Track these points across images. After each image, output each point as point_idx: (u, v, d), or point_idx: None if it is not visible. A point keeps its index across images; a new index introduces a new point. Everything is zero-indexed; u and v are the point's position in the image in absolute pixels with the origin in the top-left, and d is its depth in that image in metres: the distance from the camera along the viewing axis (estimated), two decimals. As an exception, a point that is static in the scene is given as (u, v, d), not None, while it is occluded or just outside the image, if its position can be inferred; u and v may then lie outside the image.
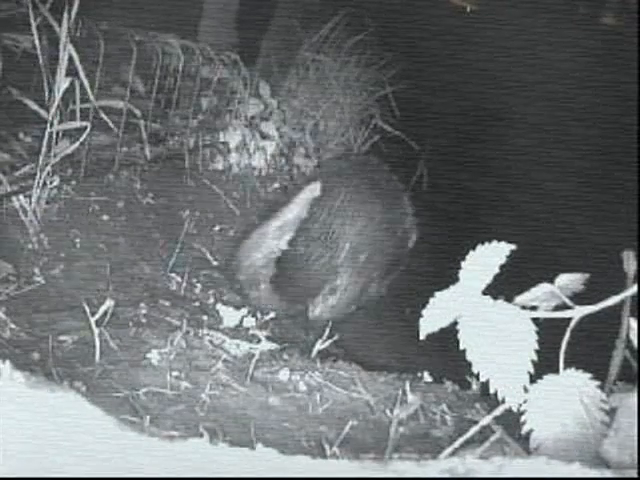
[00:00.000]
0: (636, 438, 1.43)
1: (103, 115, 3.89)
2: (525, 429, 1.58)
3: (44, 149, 3.59)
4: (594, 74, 7.15)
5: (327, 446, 2.41)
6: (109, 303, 3.03)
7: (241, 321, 3.71)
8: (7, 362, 1.43)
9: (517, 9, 7.65)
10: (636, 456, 1.42)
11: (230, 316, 3.71)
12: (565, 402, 1.57)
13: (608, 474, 1.37)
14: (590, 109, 6.97)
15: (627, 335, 1.75)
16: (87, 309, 2.90)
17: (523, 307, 1.66)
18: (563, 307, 1.65)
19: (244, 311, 3.81)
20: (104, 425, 1.40)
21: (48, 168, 3.63)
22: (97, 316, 2.90)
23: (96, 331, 2.82)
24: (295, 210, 4.02)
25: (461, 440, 1.78)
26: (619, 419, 1.48)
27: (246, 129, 5.75)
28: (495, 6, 8.34)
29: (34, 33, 3.46)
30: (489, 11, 8.45)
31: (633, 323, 1.57)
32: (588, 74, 7.14)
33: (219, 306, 3.84)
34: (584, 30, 8.02)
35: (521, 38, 7.42)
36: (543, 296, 1.70)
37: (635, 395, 1.50)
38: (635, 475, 1.39)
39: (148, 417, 2.39)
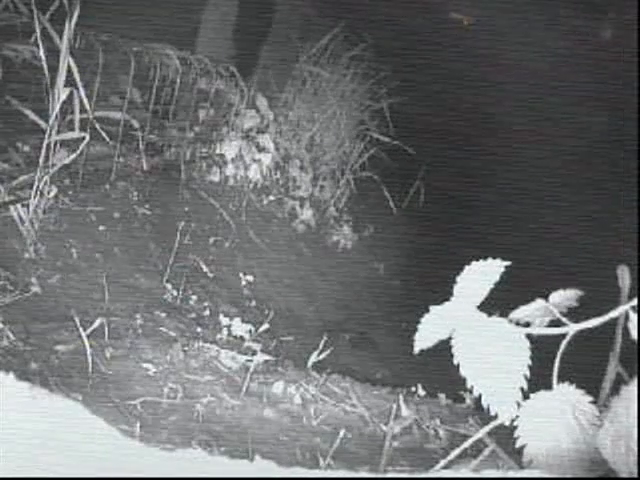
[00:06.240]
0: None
1: (97, 126, 3.89)
2: (518, 444, 1.59)
3: (42, 159, 3.60)
4: (590, 84, 7.17)
5: (321, 458, 2.42)
6: (100, 320, 3.05)
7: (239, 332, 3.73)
8: (10, 373, 1.44)
9: (513, 23, 7.67)
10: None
11: (235, 327, 3.73)
12: (558, 417, 1.57)
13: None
14: (587, 119, 6.99)
15: (620, 350, 1.76)
16: (78, 323, 2.92)
17: (517, 323, 1.66)
18: (557, 323, 1.66)
19: (238, 321, 3.82)
20: (102, 434, 1.41)
21: (46, 178, 3.63)
22: (88, 331, 2.91)
23: (87, 344, 2.83)
24: None
25: (454, 454, 1.79)
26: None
27: (242, 141, 5.77)
28: (492, 20, 8.36)
29: (39, 43, 3.46)
30: (486, 25, 8.47)
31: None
32: (584, 85, 7.16)
33: (221, 317, 3.86)
34: (579, 42, 8.05)
35: (518, 50, 7.43)
36: (537, 312, 1.71)
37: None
38: (635, 475, 1.40)
39: (143, 427, 2.40)
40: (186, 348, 3.16)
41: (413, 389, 3.31)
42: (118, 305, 3.52)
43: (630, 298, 1.63)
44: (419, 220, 6.53)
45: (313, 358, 3.36)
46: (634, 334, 1.56)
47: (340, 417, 2.88)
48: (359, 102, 6.71)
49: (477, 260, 1.74)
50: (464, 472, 1.52)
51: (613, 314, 1.59)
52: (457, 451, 1.79)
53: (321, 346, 3.41)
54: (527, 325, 1.69)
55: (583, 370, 1.93)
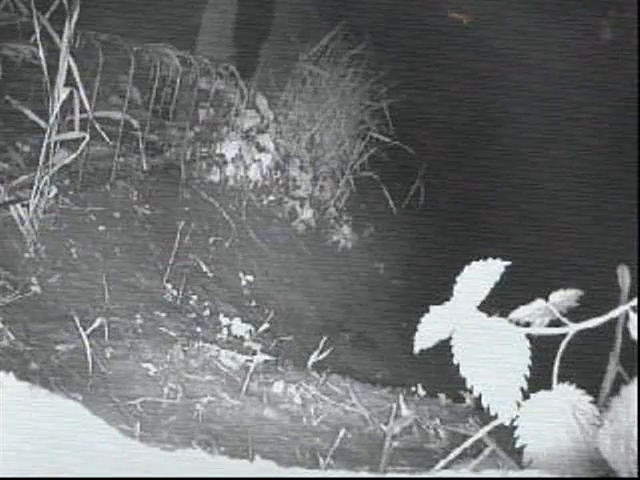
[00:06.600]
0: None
1: (97, 126, 3.89)
2: (518, 444, 1.59)
3: (42, 159, 3.60)
4: (591, 77, 7.16)
5: (321, 458, 2.42)
6: (100, 320, 3.05)
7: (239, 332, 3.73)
8: (10, 373, 1.45)
9: (516, 21, 7.66)
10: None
11: (235, 327, 3.74)
12: (558, 417, 1.57)
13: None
14: (590, 115, 6.98)
15: (620, 350, 1.76)
16: (78, 323, 2.92)
17: (517, 323, 1.66)
18: (557, 323, 1.66)
19: (238, 321, 3.82)
20: (102, 435, 1.41)
21: (46, 178, 3.64)
22: (88, 331, 2.92)
23: (87, 344, 2.83)
24: None
25: (454, 454, 1.79)
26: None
27: (242, 141, 5.77)
28: (491, 19, 8.35)
29: (39, 43, 3.47)
30: (488, 23, 8.46)
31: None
32: (585, 77, 7.15)
33: (221, 317, 3.86)
34: (581, 39, 8.05)
35: (520, 49, 7.42)
36: (537, 312, 1.71)
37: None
38: (635, 475, 1.40)
39: (143, 427, 2.40)
40: (186, 348, 3.16)
41: (413, 389, 3.31)
42: (118, 305, 3.52)
43: (630, 298, 1.63)
44: (419, 220, 6.53)
45: (313, 358, 3.36)
46: (634, 334, 1.56)
47: (340, 417, 2.88)
48: (359, 102, 6.71)
49: (477, 260, 1.74)
50: (464, 472, 1.52)
51: (613, 314, 1.59)
52: (457, 451, 1.79)
53: (321, 346, 3.41)
54: (527, 325, 1.69)
55: (583, 370, 1.94)
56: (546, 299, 1.74)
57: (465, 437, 1.90)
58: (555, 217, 6.36)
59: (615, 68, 7.06)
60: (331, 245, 6.04)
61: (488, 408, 1.59)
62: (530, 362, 1.60)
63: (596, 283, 2.22)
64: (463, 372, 1.61)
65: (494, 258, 1.73)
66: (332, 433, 2.71)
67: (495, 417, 1.59)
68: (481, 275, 1.72)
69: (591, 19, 8.16)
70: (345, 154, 6.56)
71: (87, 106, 3.74)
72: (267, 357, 3.30)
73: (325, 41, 6.53)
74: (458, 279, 1.73)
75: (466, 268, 1.74)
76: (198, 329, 3.62)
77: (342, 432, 2.69)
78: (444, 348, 1.65)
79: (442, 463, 1.79)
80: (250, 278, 4.77)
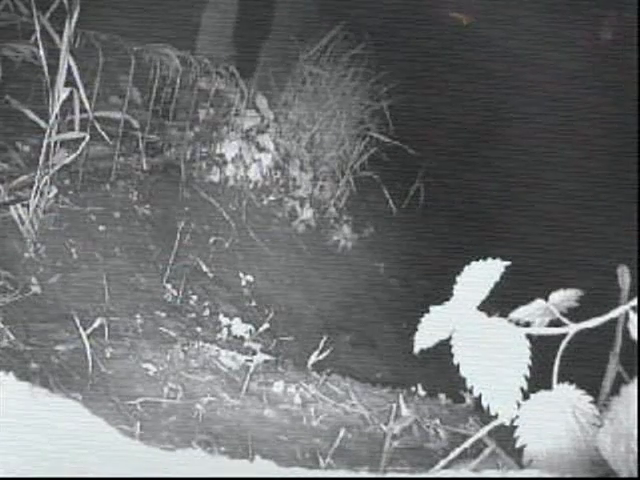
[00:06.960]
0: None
1: (97, 126, 3.89)
2: (518, 444, 1.59)
3: (42, 159, 3.60)
4: (596, 74, 7.15)
5: (321, 458, 2.42)
6: (100, 320, 3.05)
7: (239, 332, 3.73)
8: (10, 373, 1.45)
9: (515, 22, 7.64)
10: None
11: (235, 327, 3.74)
12: (558, 417, 1.58)
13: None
14: (594, 110, 6.97)
15: (620, 350, 1.76)
16: (78, 323, 2.92)
17: (517, 323, 1.67)
18: (557, 323, 1.66)
19: (238, 321, 3.82)
20: (103, 435, 1.41)
21: (46, 178, 3.64)
22: (88, 331, 2.92)
23: (87, 344, 2.83)
24: None
25: (454, 453, 1.79)
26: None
27: (242, 141, 5.76)
28: (492, 19, 8.34)
29: (39, 43, 3.47)
30: (486, 24, 8.44)
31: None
32: (590, 74, 7.14)
33: (221, 317, 3.86)
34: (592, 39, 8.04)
35: (521, 47, 7.41)
36: (537, 312, 1.72)
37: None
38: (635, 475, 1.40)
39: (143, 427, 2.40)
40: (186, 348, 3.16)
41: (413, 389, 3.31)
42: (118, 305, 3.52)
43: (630, 298, 1.63)
44: (419, 220, 6.52)
45: (313, 358, 3.36)
46: (634, 334, 1.56)
47: (340, 417, 2.88)
48: (359, 102, 6.70)
49: (477, 260, 1.75)
50: (464, 472, 1.53)
51: (613, 314, 1.59)
52: (457, 451, 1.79)
53: (321, 346, 3.41)
54: (527, 325, 1.69)
55: (583, 370, 1.94)
56: (546, 299, 1.74)
57: (465, 437, 1.90)
58: (555, 217, 6.36)
59: (628, 68, 7.04)
60: (331, 245, 6.03)
61: (488, 408, 1.59)
62: (530, 362, 1.60)
63: (596, 283, 2.22)
64: (463, 372, 1.61)
65: (494, 258, 1.74)
66: (332, 433, 2.71)
67: (495, 417, 1.59)
68: (481, 275, 1.72)
69: (603, 19, 8.17)
70: (345, 154, 6.55)
71: (87, 106, 3.74)
72: (267, 357, 3.30)
73: (325, 41, 6.53)
74: (458, 279, 1.73)
75: (466, 268, 1.74)
76: (198, 329, 3.62)
77: (342, 432, 2.69)
78: (444, 348, 1.65)
79: (442, 463, 1.79)
80: (250, 278, 4.77)
